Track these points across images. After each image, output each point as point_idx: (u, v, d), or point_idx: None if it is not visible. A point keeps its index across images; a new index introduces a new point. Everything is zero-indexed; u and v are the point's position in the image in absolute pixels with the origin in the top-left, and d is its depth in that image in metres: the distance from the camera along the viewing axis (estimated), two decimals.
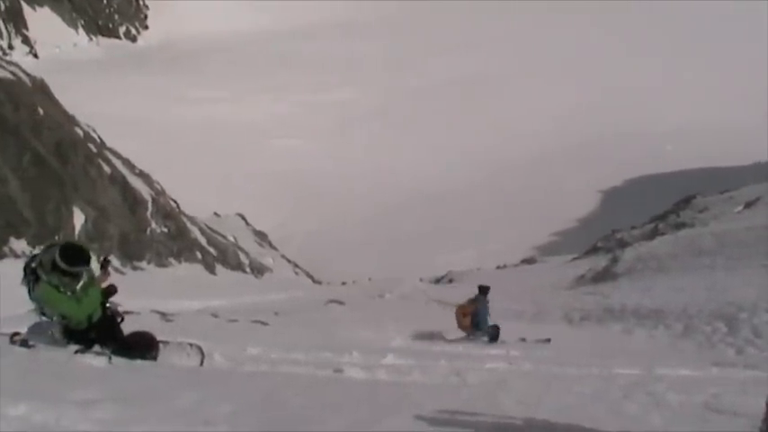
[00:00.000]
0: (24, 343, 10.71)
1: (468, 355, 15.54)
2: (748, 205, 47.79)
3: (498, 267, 72.70)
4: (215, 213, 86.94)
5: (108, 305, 10.67)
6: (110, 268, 11.08)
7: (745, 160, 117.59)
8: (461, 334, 20.52)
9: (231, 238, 76.14)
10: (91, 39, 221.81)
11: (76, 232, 45.69)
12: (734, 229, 37.04)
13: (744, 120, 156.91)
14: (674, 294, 24.14)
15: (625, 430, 6.46)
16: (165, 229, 57.88)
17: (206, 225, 72.21)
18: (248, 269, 70.47)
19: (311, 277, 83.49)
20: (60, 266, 9.81)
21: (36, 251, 14.77)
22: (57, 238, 41.90)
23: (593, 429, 7.23)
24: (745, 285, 21.74)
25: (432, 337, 20.63)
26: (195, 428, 6.42)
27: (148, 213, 55.97)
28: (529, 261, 77.20)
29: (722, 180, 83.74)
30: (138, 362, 10.33)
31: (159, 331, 15.84)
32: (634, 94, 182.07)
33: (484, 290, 21.30)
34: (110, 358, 10.17)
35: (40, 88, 51.53)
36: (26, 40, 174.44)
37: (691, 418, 8.20)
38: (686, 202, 68.14)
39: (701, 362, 14.04)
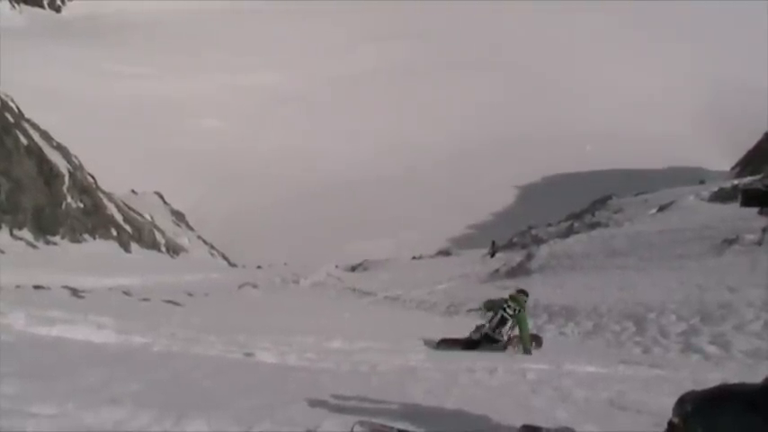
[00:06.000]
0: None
1: (379, 346, 15.60)
2: (662, 209, 48.63)
3: (414, 258, 73.01)
4: (132, 191, 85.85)
5: None
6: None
7: (661, 164, 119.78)
8: None
9: (148, 217, 75.33)
10: (14, 6, 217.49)
11: None
12: (647, 231, 37.71)
13: (662, 126, 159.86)
14: (585, 292, 24.52)
15: (530, 423, 6.55)
16: (81, 205, 57.05)
17: (123, 202, 71.35)
18: (164, 248, 69.84)
19: (227, 259, 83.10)
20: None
21: None
22: None
23: (499, 421, 7.32)
24: (655, 286, 22.16)
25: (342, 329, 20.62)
26: (100, 406, 6.37)
27: (64, 187, 55.08)
28: (444, 253, 77.57)
29: (638, 182, 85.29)
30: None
31: (70, 308, 15.66)
32: (558, 94, 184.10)
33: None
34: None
35: None
36: None
37: (595, 413, 8.35)
38: (602, 202, 69.14)
39: (609, 359, 14.26)
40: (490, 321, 16.80)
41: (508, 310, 16.77)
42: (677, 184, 68.31)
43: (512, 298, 17.30)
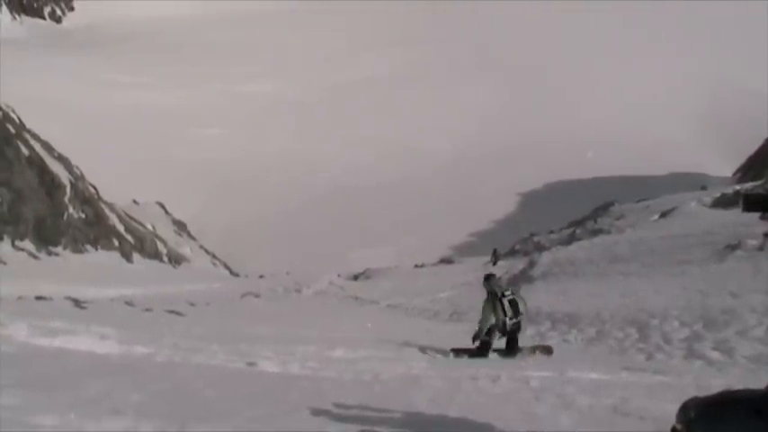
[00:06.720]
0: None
1: (382, 354, 15.57)
2: (664, 215, 48.60)
3: (416, 266, 72.90)
4: (134, 201, 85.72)
5: None
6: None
7: (662, 170, 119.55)
8: None
9: (149, 227, 75.24)
10: (15, 17, 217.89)
11: None
12: (649, 237, 37.66)
13: (663, 131, 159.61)
14: (588, 299, 24.44)
15: (534, 430, 6.55)
16: (83, 215, 56.97)
17: (124, 212, 71.28)
18: (166, 258, 69.72)
19: (229, 269, 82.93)
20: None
21: None
22: None
23: (502, 429, 7.32)
24: (658, 293, 22.10)
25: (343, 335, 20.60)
26: (102, 417, 6.36)
27: (66, 198, 55.01)
28: (446, 261, 77.44)
29: (639, 189, 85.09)
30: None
31: (72, 318, 15.63)
32: (559, 99, 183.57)
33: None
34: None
35: None
36: None
37: (599, 420, 8.34)
38: (604, 208, 68.99)
39: (612, 366, 14.21)
40: (503, 311, 16.30)
41: (506, 293, 16.68)
42: (679, 190, 68.29)
43: (486, 278, 17.54)
